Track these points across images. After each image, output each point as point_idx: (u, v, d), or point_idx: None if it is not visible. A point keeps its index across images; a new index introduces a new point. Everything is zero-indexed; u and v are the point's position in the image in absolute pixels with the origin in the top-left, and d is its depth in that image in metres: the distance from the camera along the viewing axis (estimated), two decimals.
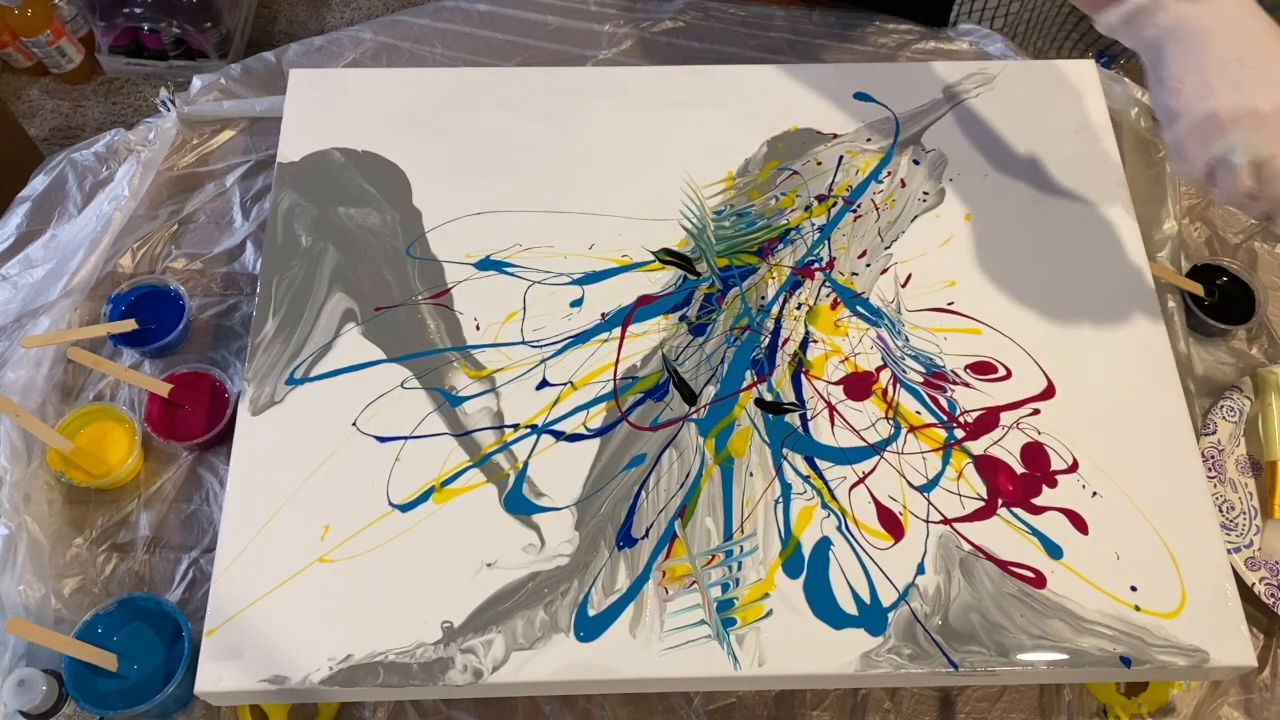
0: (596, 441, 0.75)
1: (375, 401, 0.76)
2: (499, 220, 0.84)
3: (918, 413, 0.77)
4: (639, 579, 0.70)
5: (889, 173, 0.88)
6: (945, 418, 0.77)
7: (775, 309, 0.81)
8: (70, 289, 0.86)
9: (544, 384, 0.77)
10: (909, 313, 0.81)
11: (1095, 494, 0.74)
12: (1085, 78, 0.92)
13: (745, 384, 0.78)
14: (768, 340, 0.80)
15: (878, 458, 0.75)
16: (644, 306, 0.81)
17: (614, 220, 0.84)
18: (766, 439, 0.75)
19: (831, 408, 0.77)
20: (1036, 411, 0.77)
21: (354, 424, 0.75)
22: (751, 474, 0.74)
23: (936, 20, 1.05)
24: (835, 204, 0.86)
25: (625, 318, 0.80)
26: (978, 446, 0.76)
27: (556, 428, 0.76)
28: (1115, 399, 0.77)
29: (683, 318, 0.80)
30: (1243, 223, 0.96)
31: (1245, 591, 0.75)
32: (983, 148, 0.89)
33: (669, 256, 0.83)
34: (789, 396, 0.77)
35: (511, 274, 0.82)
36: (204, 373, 0.82)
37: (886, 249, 0.84)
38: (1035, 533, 0.72)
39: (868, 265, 0.83)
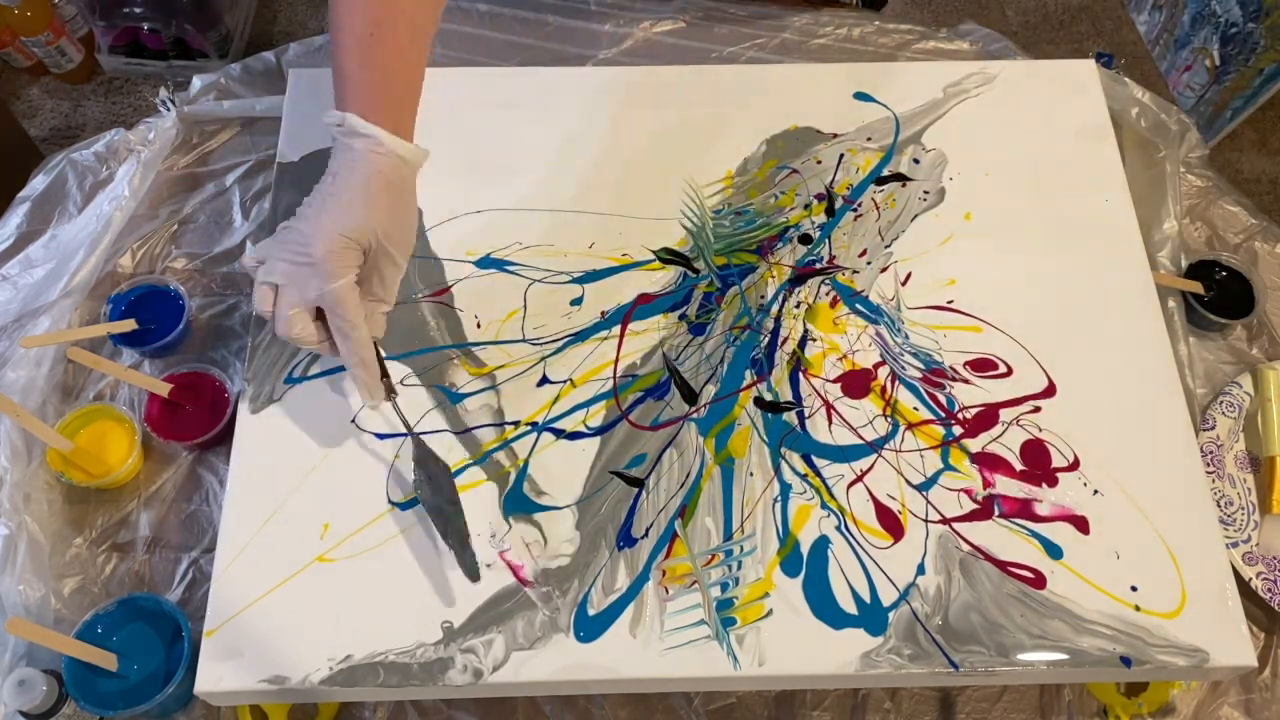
0: (597, 440, 0.75)
1: None
2: (499, 219, 0.84)
3: (916, 409, 0.77)
4: (639, 579, 0.70)
5: (889, 171, 0.88)
6: (944, 414, 0.77)
7: (775, 308, 0.81)
8: (70, 289, 0.86)
9: (544, 381, 0.77)
10: (909, 310, 0.81)
11: (1096, 492, 0.74)
12: (1085, 78, 0.92)
13: (745, 383, 0.78)
14: (767, 339, 0.80)
15: (875, 456, 0.75)
16: (643, 305, 0.81)
17: (614, 219, 0.84)
18: (766, 438, 0.75)
19: (829, 406, 0.77)
20: (1037, 409, 0.77)
21: (353, 421, 0.75)
22: (752, 474, 0.74)
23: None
24: (835, 202, 0.86)
25: (625, 316, 0.80)
26: (976, 444, 0.76)
27: (557, 425, 0.76)
28: (1116, 398, 0.77)
29: (682, 316, 0.80)
30: (1243, 222, 0.96)
31: (1243, 587, 0.75)
32: (983, 148, 0.89)
33: (669, 255, 0.83)
34: (787, 395, 0.77)
35: (512, 272, 0.82)
36: (204, 373, 0.82)
37: (887, 248, 0.84)
38: (1035, 534, 0.72)
39: (868, 264, 0.83)
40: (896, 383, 0.78)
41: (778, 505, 0.73)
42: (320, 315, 0.69)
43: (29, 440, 0.80)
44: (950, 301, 0.81)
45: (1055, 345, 0.79)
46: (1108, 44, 2.01)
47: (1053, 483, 0.74)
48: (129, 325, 0.83)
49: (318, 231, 0.67)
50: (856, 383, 0.78)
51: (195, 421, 0.81)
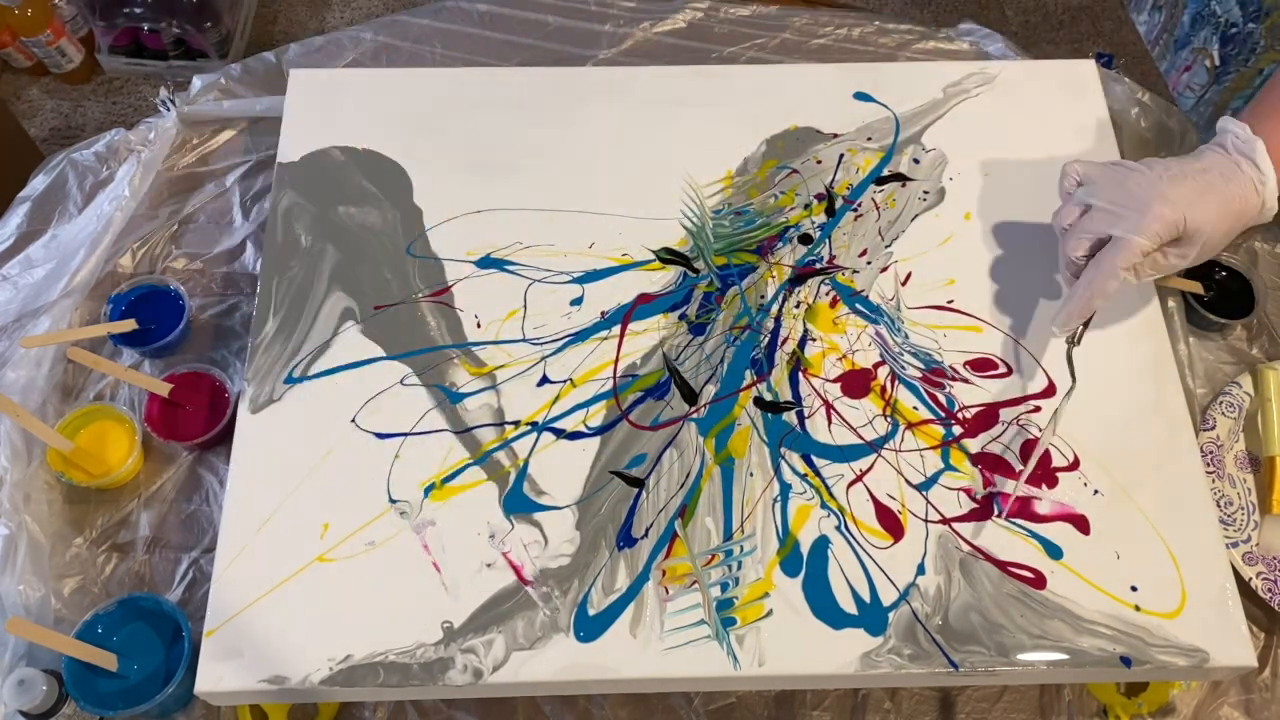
0: (597, 440, 0.75)
1: (375, 398, 0.76)
2: (499, 218, 0.84)
3: (915, 409, 0.77)
4: (639, 579, 0.70)
5: (889, 171, 0.88)
6: (943, 414, 0.77)
7: (775, 308, 0.81)
8: (70, 289, 0.86)
9: (544, 380, 0.77)
10: (909, 310, 0.81)
11: (1096, 492, 0.74)
12: (1085, 78, 0.92)
13: (745, 383, 0.78)
14: (767, 339, 0.80)
15: (875, 455, 0.75)
16: (643, 305, 0.81)
17: (614, 219, 0.84)
18: (765, 439, 0.75)
19: (828, 405, 0.77)
20: (1037, 409, 0.77)
21: (353, 421, 0.75)
22: (752, 474, 0.74)
23: None
24: (835, 202, 0.86)
25: (625, 316, 0.80)
26: (976, 444, 0.76)
27: (557, 425, 0.76)
28: (1116, 398, 0.77)
29: (682, 316, 0.80)
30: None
31: (1243, 587, 0.75)
32: (983, 148, 0.89)
33: (669, 255, 0.83)
34: (787, 395, 0.77)
35: (512, 272, 0.82)
36: (204, 373, 0.82)
37: (887, 248, 0.84)
38: (1034, 534, 0.72)
39: (868, 263, 0.83)
40: (896, 382, 0.78)
41: (777, 505, 0.73)
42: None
43: (29, 440, 0.80)
44: (950, 301, 0.81)
45: (1055, 345, 0.79)
46: (1108, 44, 2.01)
47: (1053, 483, 0.74)
48: (129, 325, 0.83)
49: (1163, 197, 0.71)
50: (856, 382, 0.78)
51: (195, 421, 0.81)
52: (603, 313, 0.80)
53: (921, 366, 0.79)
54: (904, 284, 0.82)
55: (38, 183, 0.94)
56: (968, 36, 1.05)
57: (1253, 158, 0.73)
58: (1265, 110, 0.75)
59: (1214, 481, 0.82)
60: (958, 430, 0.76)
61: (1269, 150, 0.73)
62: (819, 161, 0.88)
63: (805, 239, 0.85)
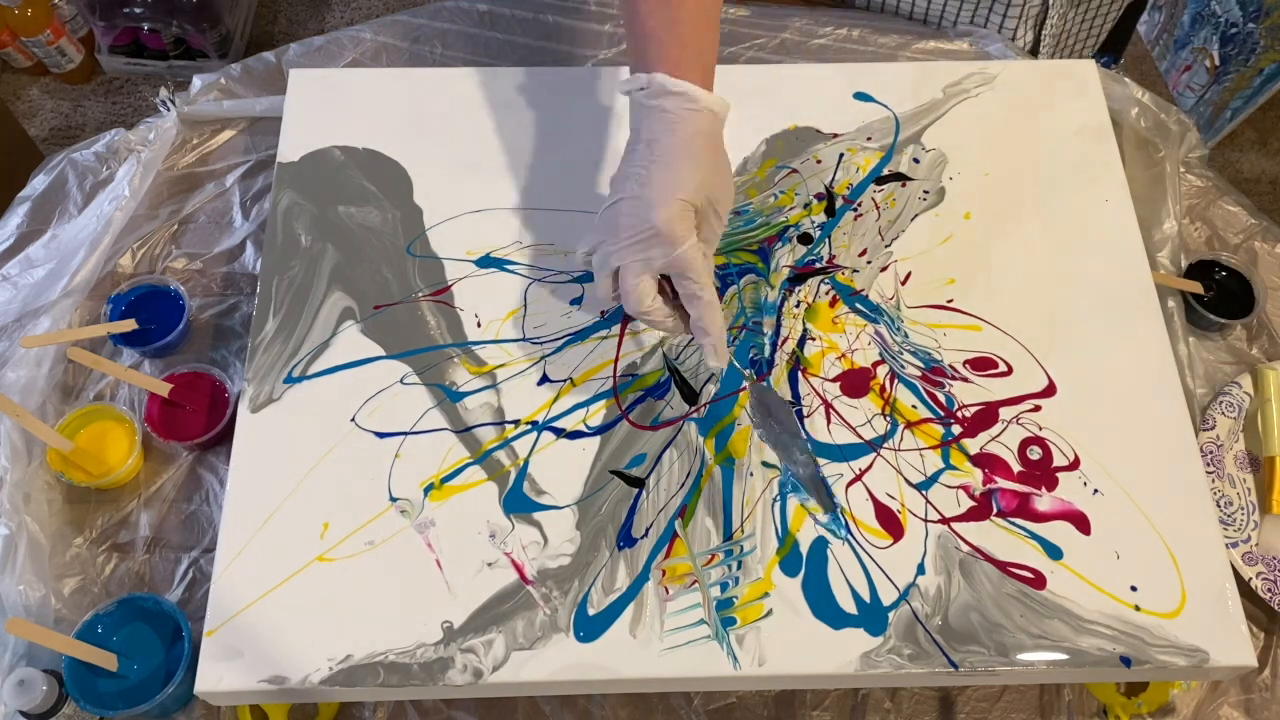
0: (597, 440, 0.75)
1: (375, 397, 0.76)
2: (499, 218, 0.84)
3: (915, 408, 0.77)
4: (639, 579, 0.70)
5: (889, 171, 0.88)
6: (943, 413, 0.77)
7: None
8: (70, 289, 0.86)
9: (544, 379, 0.77)
10: (908, 309, 0.81)
11: (1096, 491, 0.74)
12: (1085, 78, 0.92)
13: (744, 383, 0.78)
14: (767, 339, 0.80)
15: (874, 455, 0.75)
16: None
17: None
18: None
19: (828, 405, 0.77)
20: (1037, 408, 0.77)
21: (353, 420, 0.75)
22: (752, 474, 0.74)
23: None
24: (835, 202, 0.86)
25: (624, 315, 0.80)
26: (975, 444, 0.76)
27: (557, 425, 0.76)
28: (1116, 398, 0.77)
29: None
30: (1243, 222, 0.96)
31: (1243, 587, 0.75)
32: (983, 147, 0.89)
33: None
34: (786, 395, 0.77)
35: (512, 271, 0.82)
36: (204, 373, 0.82)
37: (887, 247, 0.84)
38: (1034, 534, 0.72)
39: (868, 263, 0.83)
40: (895, 381, 0.78)
41: (777, 505, 0.73)
42: (661, 289, 0.70)
43: (29, 440, 0.80)
44: (950, 301, 0.82)
45: (1055, 345, 0.79)
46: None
47: (1053, 483, 0.74)
48: (129, 325, 0.83)
49: (652, 200, 0.66)
50: (855, 382, 0.78)
51: (195, 421, 0.81)
52: (603, 312, 0.80)
53: (921, 365, 0.79)
54: (904, 283, 0.82)
55: (38, 183, 0.94)
56: (968, 36, 1.05)
57: (666, 92, 0.67)
58: (645, 45, 0.69)
59: (1214, 481, 0.82)
60: (957, 429, 0.76)
61: (675, 73, 0.68)
62: (819, 161, 0.88)
63: (805, 238, 0.85)
